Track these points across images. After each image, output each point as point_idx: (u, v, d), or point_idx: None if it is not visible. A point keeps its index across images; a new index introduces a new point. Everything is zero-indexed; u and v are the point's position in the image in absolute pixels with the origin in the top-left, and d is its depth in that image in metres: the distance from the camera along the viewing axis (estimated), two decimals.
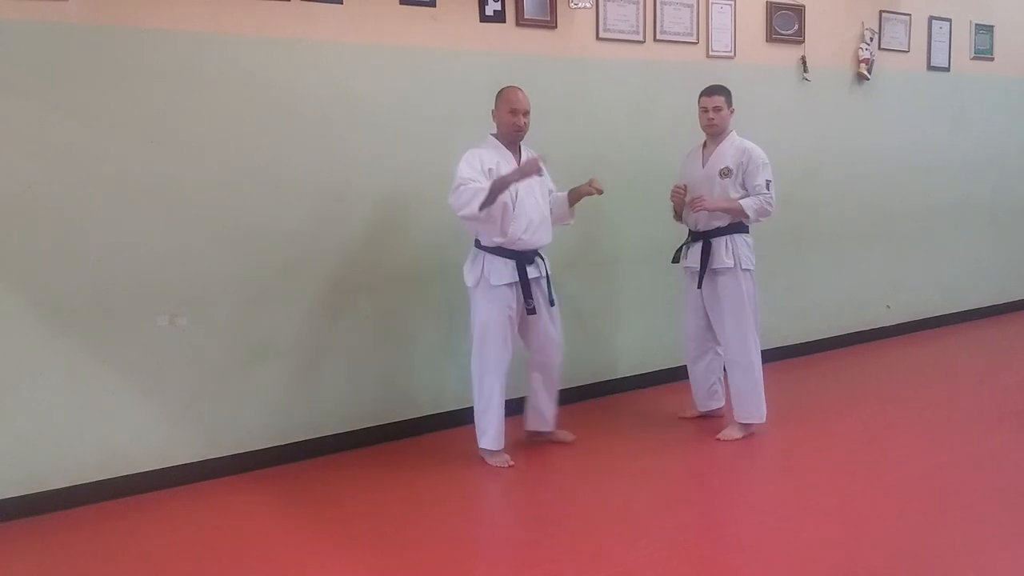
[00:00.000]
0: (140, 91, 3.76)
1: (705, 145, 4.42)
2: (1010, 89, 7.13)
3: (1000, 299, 7.34)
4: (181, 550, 3.34)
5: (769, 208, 4.25)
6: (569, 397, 4.82)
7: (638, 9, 5.06)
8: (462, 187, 3.79)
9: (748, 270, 4.32)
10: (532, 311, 4.08)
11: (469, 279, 4.04)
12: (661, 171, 5.09)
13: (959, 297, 7.04)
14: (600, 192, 4.16)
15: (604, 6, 4.94)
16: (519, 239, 3.98)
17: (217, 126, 3.94)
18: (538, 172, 3.92)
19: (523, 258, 4.03)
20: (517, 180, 3.84)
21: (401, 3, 4.33)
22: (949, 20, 6.60)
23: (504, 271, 4.00)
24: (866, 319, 6.44)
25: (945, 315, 6.93)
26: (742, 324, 4.32)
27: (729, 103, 4.30)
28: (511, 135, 4.01)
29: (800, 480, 3.83)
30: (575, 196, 4.23)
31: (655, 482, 3.90)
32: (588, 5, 4.81)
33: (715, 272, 4.34)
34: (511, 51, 4.67)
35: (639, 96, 5.14)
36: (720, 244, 4.31)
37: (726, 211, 4.24)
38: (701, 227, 4.37)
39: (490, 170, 3.87)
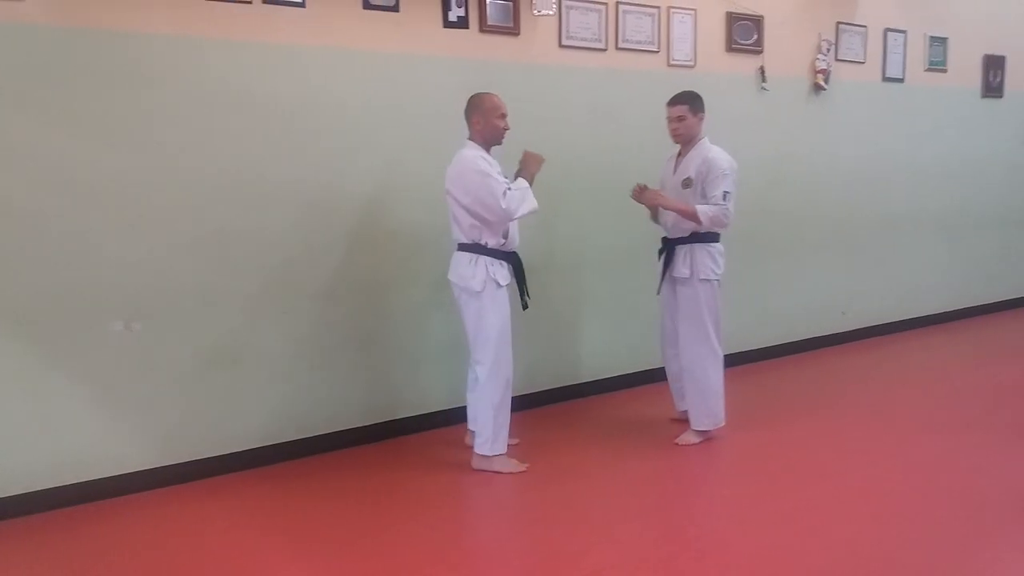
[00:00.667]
0: (100, 94, 3.71)
1: (680, 152, 4.44)
2: (963, 100, 7.28)
3: (952, 306, 7.49)
4: (137, 558, 3.29)
5: (724, 219, 4.23)
6: (532, 402, 4.85)
7: (600, 17, 5.10)
8: (509, 191, 3.88)
9: (707, 280, 4.31)
10: (526, 306, 4.22)
11: (475, 283, 3.97)
12: (623, 178, 5.11)
13: (912, 304, 7.18)
14: (537, 157, 4.12)
15: (566, 14, 4.97)
16: (513, 240, 4.09)
17: (179, 129, 3.90)
18: (543, 161, 4.10)
19: (512, 259, 4.12)
20: (536, 172, 4.06)
21: (364, 8, 4.32)
22: (904, 32, 6.73)
23: (504, 272, 4.06)
24: (823, 325, 6.54)
25: (899, 321, 7.06)
26: (695, 333, 4.36)
27: (695, 110, 4.30)
28: (500, 138, 4.06)
29: (759, 484, 3.88)
30: (528, 179, 4.16)
31: (618, 487, 3.93)
32: (551, 12, 4.84)
33: (674, 280, 4.39)
34: (474, 57, 4.68)
35: (601, 103, 5.17)
36: (680, 253, 4.35)
37: (680, 213, 4.24)
38: (669, 234, 4.41)
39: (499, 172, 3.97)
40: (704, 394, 4.38)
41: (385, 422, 4.59)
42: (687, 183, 4.28)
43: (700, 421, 4.41)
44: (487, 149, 4.05)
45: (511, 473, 4.05)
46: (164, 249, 3.90)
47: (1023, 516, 3.49)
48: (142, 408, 3.91)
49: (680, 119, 4.30)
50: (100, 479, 3.83)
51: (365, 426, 4.52)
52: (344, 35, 4.28)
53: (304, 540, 3.40)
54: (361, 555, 3.26)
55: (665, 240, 4.46)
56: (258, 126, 4.09)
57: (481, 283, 3.98)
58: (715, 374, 4.39)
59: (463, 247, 4.04)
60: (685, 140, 4.36)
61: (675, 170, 4.40)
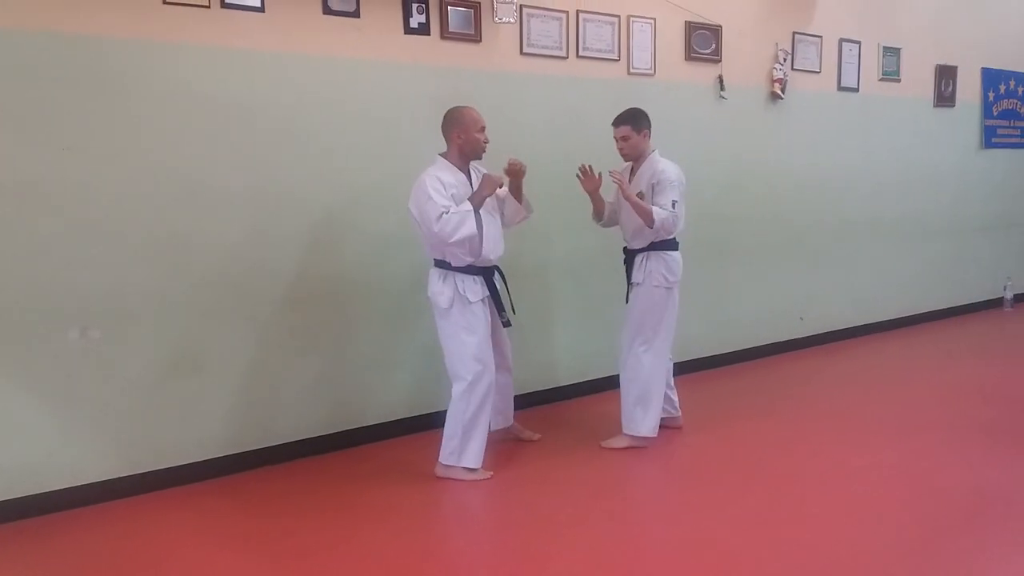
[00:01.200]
0: (55, 97, 3.66)
1: (632, 168, 4.49)
2: (916, 109, 7.43)
3: (907, 311, 7.62)
4: (95, 572, 3.24)
5: (672, 225, 4.28)
6: None
7: (561, 25, 5.13)
8: (445, 215, 3.82)
9: (657, 287, 4.36)
10: (507, 323, 4.19)
11: (442, 300, 3.98)
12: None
13: (869, 309, 7.29)
14: (520, 166, 4.15)
15: (527, 22, 5.00)
16: (487, 258, 4.05)
17: (137, 134, 3.85)
18: (500, 186, 4.03)
19: (488, 273, 4.10)
20: (489, 195, 3.99)
21: (324, 13, 4.31)
22: (859, 42, 6.85)
23: (476, 287, 4.03)
24: (781, 331, 6.62)
25: (855, 327, 7.17)
26: (639, 338, 4.42)
27: (638, 128, 4.35)
28: (480, 152, 4.07)
29: (719, 488, 3.92)
30: (514, 188, 4.25)
31: (578, 492, 3.94)
32: (511, 20, 4.86)
33: (632, 286, 4.45)
34: (435, 64, 4.68)
35: (562, 111, 5.20)
36: (637, 260, 4.42)
37: (635, 206, 4.24)
38: (629, 244, 4.48)
39: (453, 195, 3.92)
40: (644, 400, 4.41)
41: (349, 430, 4.56)
42: (640, 196, 4.33)
43: (629, 425, 4.45)
44: (464, 163, 4.06)
45: (475, 480, 4.04)
46: (121, 255, 3.84)
47: (981, 513, 3.57)
48: (99, 418, 3.85)
49: (625, 139, 4.38)
50: (56, 490, 3.76)
51: (329, 434, 4.49)
52: (304, 40, 4.26)
53: (266, 551, 3.37)
54: (325, 565, 3.23)
55: (625, 250, 4.52)
56: (217, 131, 4.05)
57: (448, 300, 3.98)
58: (655, 380, 4.42)
59: (436, 263, 4.06)
60: (632, 157, 4.44)
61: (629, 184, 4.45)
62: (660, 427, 4.52)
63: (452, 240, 3.85)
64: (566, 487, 4.00)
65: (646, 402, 4.41)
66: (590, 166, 4.36)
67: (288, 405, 4.37)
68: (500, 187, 4.06)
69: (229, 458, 4.20)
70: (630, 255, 4.48)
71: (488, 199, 4.07)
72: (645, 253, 4.39)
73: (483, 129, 4.04)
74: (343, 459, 4.40)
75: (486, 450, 4.13)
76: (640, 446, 4.43)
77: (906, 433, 4.60)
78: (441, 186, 3.90)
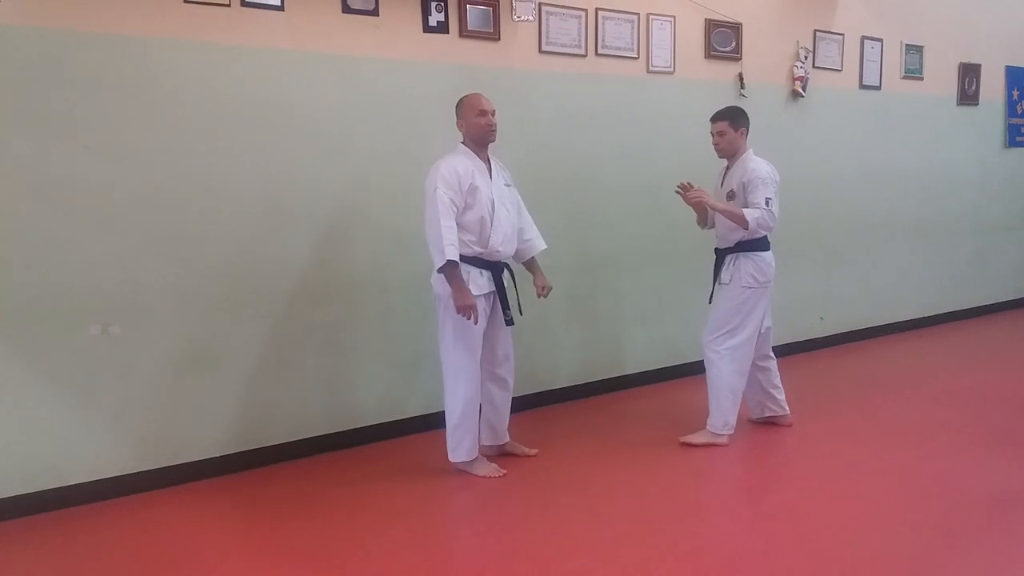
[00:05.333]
0: (72, 96, 3.68)
1: (727, 166, 4.51)
2: (938, 107, 7.36)
3: (928, 312, 7.56)
4: (110, 565, 3.27)
5: (768, 222, 4.29)
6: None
7: (580, 24, 5.12)
8: (434, 230, 3.75)
9: (747, 287, 4.36)
10: (510, 322, 4.12)
11: (443, 287, 3.91)
12: (600, 184, 5.16)
13: (889, 309, 7.24)
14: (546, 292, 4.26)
15: (546, 20, 4.99)
16: (496, 250, 4.01)
17: (154, 132, 3.87)
18: (466, 317, 3.85)
19: (496, 269, 4.06)
20: (456, 304, 3.83)
21: (343, 12, 4.32)
22: (881, 40, 6.79)
23: (481, 281, 4.00)
24: (799, 330, 6.58)
25: (875, 327, 7.12)
26: (718, 336, 4.41)
27: (736, 126, 4.37)
28: (485, 136, 4.00)
29: (736, 488, 3.92)
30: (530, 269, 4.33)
31: (594, 491, 3.92)
32: (531, 18, 4.85)
33: (720, 286, 4.48)
34: (454, 62, 4.68)
35: (581, 109, 5.19)
36: (727, 261, 4.44)
37: (724, 213, 4.28)
38: (719, 244, 4.51)
39: (471, 185, 3.87)
40: (714, 396, 4.44)
41: (365, 427, 4.58)
42: (730, 195, 4.36)
43: (713, 421, 4.46)
44: (477, 151, 4.02)
45: (487, 477, 4.05)
46: (140, 252, 3.87)
47: (1000, 518, 3.53)
48: (117, 413, 3.88)
49: (721, 134, 4.39)
50: (74, 485, 3.80)
51: (344, 431, 4.51)
52: (323, 39, 4.27)
53: (278, 548, 3.38)
54: (335, 563, 3.24)
55: (717, 251, 4.55)
56: (236, 129, 4.07)
57: (448, 288, 3.90)
58: (728, 379, 4.41)
59: None
60: (727, 154, 4.45)
61: (722, 183, 4.49)
62: (769, 423, 4.64)
63: (427, 234, 3.81)
64: (583, 485, 3.98)
65: (717, 398, 4.42)
66: (688, 183, 4.34)
67: (304, 401, 4.39)
68: (468, 318, 3.86)
69: (244, 454, 4.23)
70: (720, 255, 4.50)
71: (506, 190, 4.08)
72: (735, 255, 4.40)
73: (484, 113, 3.97)
74: (358, 456, 4.42)
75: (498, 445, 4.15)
76: (718, 443, 4.43)
77: (924, 435, 4.56)
78: (455, 177, 3.84)
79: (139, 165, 3.85)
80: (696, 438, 4.46)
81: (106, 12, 3.72)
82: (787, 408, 4.73)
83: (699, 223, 4.64)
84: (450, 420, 4.05)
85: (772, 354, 4.66)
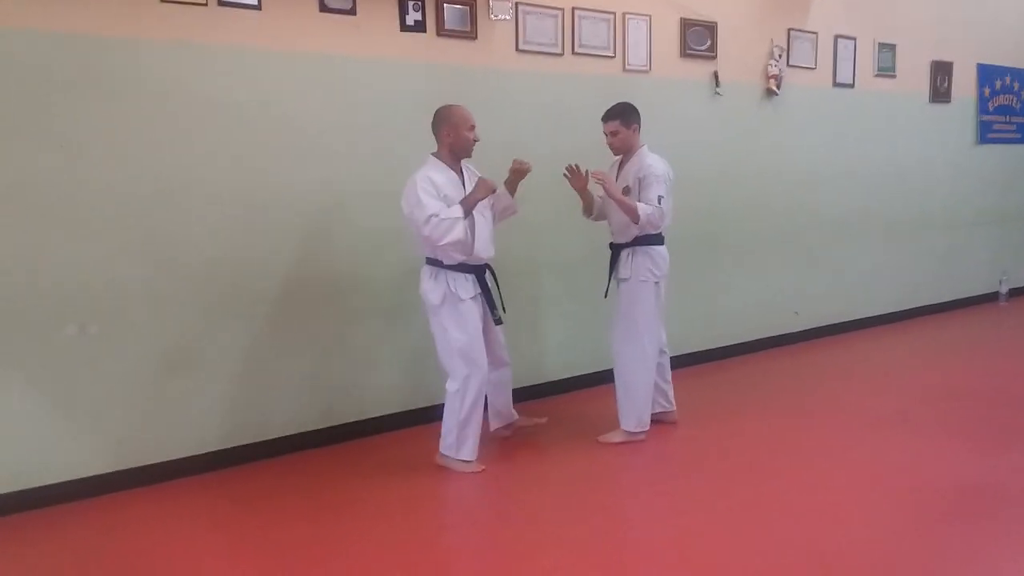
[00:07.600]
0: (48, 97, 3.68)
1: (620, 161, 4.53)
2: (911, 105, 7.45)
3: (900, 306, 7.66)
4: (87, 565, 3.28)
5: (658, 220, 4.31)
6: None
7: (557, 23, 5.15)
8: (434, 218, 3.84)
9: (644, 281, 4.39)
10: (499, 321, 4.23)
11: (434, 297, 4.02)
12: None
13: (863, 304, 7.33)
14: (525, 166, 4.22)
15: (523, 19, 5.02)
16: (478, 256, 4.09)
17: (130, 132, 3.87)
18: (494, 191, 4.06)
19: (480, 271, 4.13)
20: (482, 199, 3.99)
21: (321, 11, 4.33)
22: (854, 39, 6.87)
23: (467, 285, 4.07)
24: (775, 325, 6.66)
25: (849, 321, 7.20)
26: (627, 333, 4.45)
27: (627, 123, 4.39)
28: (469, 150, 4.09)
29: (710, 482, 3.95)
30: (511, 186, 4.30)
31: (571, 486, 3.98)
32: (507, 17, 4.88)
33: (619, 281, 4.49)
34: (431, 61, 4.70)
35: (558, 108, 5.22)
36: (623, 255, 4.45)
37: (620, 204, 4.28)
38: (615, 238, 4.50)
39: (444, 196, 3.93)
40: (630, 394, 4.46)
41: (344, 424, 4.60)
42: (626, 191, 4.36)
43: (627, 421, 4.49)
44: (455, 162, 4.07)
45: (467, 473, 4.10)
46: (117, 252, 3.87)
47: (968, 510, 3.60)
48: (96, 412, 3.89)
49: (614, 134, 4.42)
50: (54, 484, 3.80)
51: (324, 428, 4.53)
52: (300, 38, 4.28)
53: (261, 546, 3.41)
54: (318, 559, 3.27)
55: (612, 245, 4.55)
56: (212, 129, 4.08)
57: (440, 297, 4.02)
58: (643, 375, 4.46)
59: (428, 260, 4.09)
60: (622, 151, 4.48)
61: (617, 179, 4.48)
62: (654, 421, 4.57)
63: (441, 244, 3.89)
64: (558, 481, 4.04)
65: (638, 396, 4.45)
66: (576, 165, 4.39)
67: (283, 400, 4.40)
68: (493, 192, 4.08)
69: (225, 452, 4.24)
70: (616, 250, 4.52)
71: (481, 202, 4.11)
72: (631, 248, 4.42)
73: (473, 127, 4.06)
74: (337, 453, 4.44)
75: (481, 444, 4.17)
76: (636, 440, 4.47)
77: (899, 428, 4.64)
78: (432, 187, 3.91)
79: (114, 165, 3.84)
80: (613, 437, 4.50)
81: (81, 12, 3.71)
82: (674, 404, 4.77)
83: (584, 213, 4.64)
84: (455, 418, 4.08)
85: (666, 349, 4.68)
